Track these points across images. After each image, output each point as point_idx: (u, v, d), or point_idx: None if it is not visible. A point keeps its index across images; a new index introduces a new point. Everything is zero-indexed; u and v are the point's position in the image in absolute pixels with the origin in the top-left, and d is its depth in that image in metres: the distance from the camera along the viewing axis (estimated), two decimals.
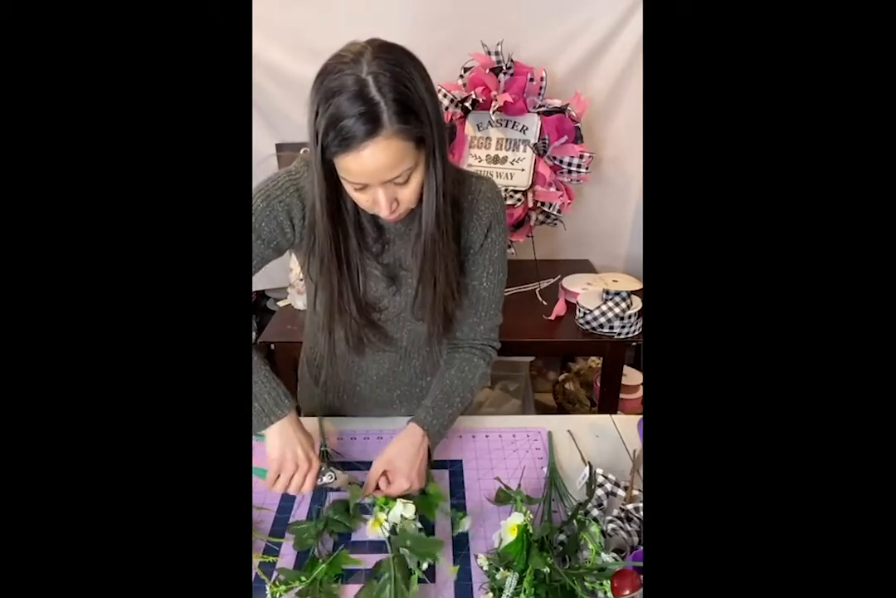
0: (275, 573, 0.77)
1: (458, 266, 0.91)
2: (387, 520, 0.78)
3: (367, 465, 0.95)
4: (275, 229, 0.85)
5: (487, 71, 1.61)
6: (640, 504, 0.82)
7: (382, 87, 0.68)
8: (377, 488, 0.86)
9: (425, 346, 1.01)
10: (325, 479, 0.87)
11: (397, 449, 0.88)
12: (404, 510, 0.77)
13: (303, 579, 0.74)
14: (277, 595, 0.73)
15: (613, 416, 1.09)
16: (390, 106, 0.68)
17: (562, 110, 1.62)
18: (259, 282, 1.84)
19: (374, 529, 0.76)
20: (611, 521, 0.80)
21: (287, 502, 0.89)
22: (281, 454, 0.82)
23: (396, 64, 0.69)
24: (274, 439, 0.82)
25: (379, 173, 0.72)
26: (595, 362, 2.03)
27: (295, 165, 0.87)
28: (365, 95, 0.67)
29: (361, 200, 0.77)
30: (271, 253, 0.88)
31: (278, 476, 0.81)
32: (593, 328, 1.51)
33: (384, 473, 0.86)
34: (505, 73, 1.59)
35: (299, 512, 0.87)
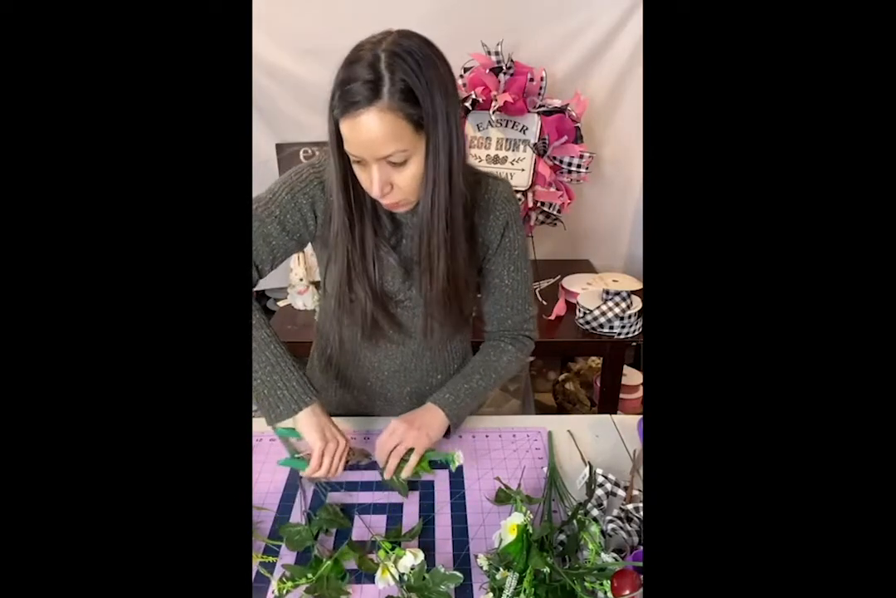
0: (278, 569, 0.77)
1: (472, 264, 0.93)
2: (395, 569, 0.76)
3: (373, 464, 0.96)
4: (298, 221, 0.88)
5: (487, 71, 1.61)
6: (640, 504, 0.82)
7: (392, 65, 0.71)
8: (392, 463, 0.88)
9: (438, 342, 1.02)
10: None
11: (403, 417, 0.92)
12: (414, 560, 0.75)
13: (309, 576, 0.74)
14: (284, 592, 0.73)
15: (613, 416, 1.09)
16: (395, 83, 0.71)
17: (562, 110, 1.62)
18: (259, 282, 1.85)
19: (383, 577, 0.75)
20: (611, 521, 0.80)
21: (287, 502, 0.89)
22: (322, 436, 0.83)
23: (412, 50, 0.73)
24: (310, 425, 0.84)
25: (371, 145, 0.74)
26: (595, 362, 2.03)
27: (318, 157, 0.90)
28: (374, 67, 0.71)
29: (361, 177, 0.80)
30: (294, 245, 0.91)
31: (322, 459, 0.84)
32: (593, 328, 1.51)
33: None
34: (505, 73, 1.59)
35: (298, 511, 0.87)
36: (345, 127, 0.74)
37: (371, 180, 0.77)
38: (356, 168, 0.79)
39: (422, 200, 0.82)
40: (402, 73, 0.71)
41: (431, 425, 0.92)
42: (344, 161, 0.80)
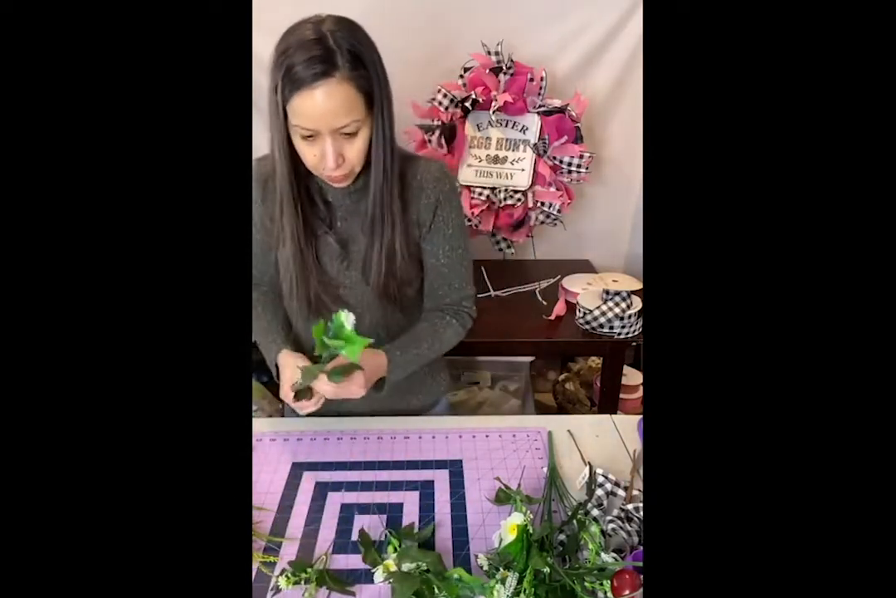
0: (279, 567, 0.78)
1: (409, 241, 0.95)
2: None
3: (373, 464, 0.96)
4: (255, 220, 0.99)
5: (487, 71, 1.60)
6: (640, 504, 0.82)
7: (339, 41, 0.76)
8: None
9: (390, 319, 1.03)
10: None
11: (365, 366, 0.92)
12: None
13: (308, 571, 0.75)
14: (288, 586, 0.74)
15: (613, 416, 1.09)
16: (345, 55, 0.76)
17: (562, 110, 1.62)
18: None
19: (383, 573, 0.75)
20: (611, 521, 0.80)
21: (287, 502, 0.89)
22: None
23: (352, 29, 0.79)
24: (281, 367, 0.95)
25: (329, 117, 0.77)
26: (595, 362, 2.03)
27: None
28: (323, 43, 0.76)
29: (309, 154, 0.82)
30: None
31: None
32: (593, 328, 1.51)
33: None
34: (505, 73, 1.59)
35: (298, 511, 0.88)
36: (300, 102, 0.76)
37: (325, 153, 0.81)
38: (303, 145, 0.82)
39: (373, 168, 0.85)
40: (349, 45, 0.76)
41: (371, 379, 0.93)
42: (289, 143, 0.83)
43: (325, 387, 0.86)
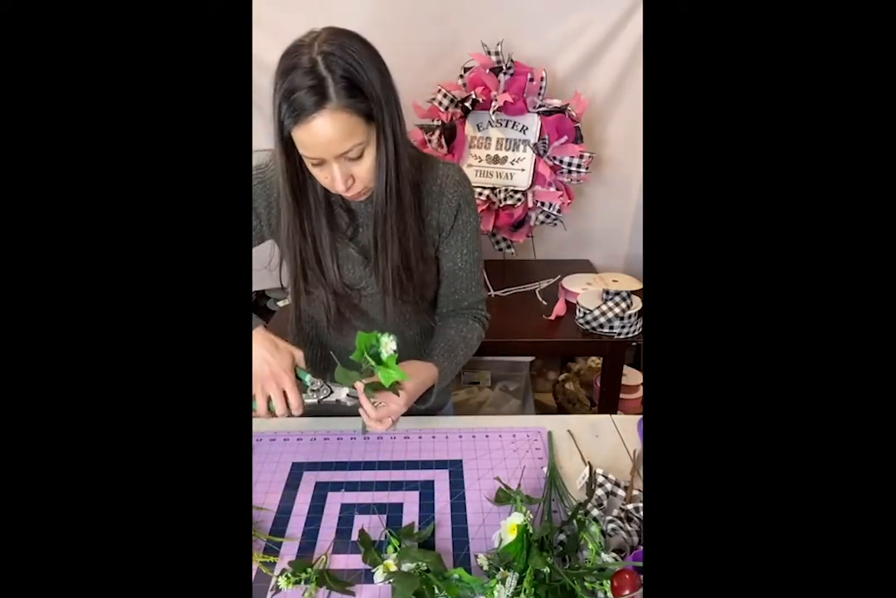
0: (279, 566, 0.78)
1: (425, 245, 0.95)
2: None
3: (373, 464, 0.96)
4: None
5: (487, 71, 1.61)
6: (640, 504, 0.82)
7: (331, 65, 0.74)
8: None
9: (404, 325, 1.03)
10: (316, 395, 0.85)
11: (414, 380, 0.88)
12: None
13: (308, 571, 0.75)
14: (288, 586, 0.74)
15: (613, 416, 1.09)
16: (338, 81, 0.74)
17: (562, 110, 1.62)
18: (259, 282, 1.85)
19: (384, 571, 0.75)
20: (611, 521, 0.80)
21: (287, 502, 0.89)
22: (259, 370, 0.81)
23: (344, 46, 0.76)
24: (255, 346, 0.82)
25: (329, 146, 0.77)
26: (595, 362, 2.03)
27: (263, 158, 0.94)
28: (315, 71, 0.74)
29: (321, 177, 0.83)
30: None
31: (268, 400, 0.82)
32: (593, 328, 1.51)
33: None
34: (505, 73, 1.59)
35: (298, 511, 0.87)
36: (300, 134, 0.76)
37: (333, 178, 0.81)
38: (314, 170, 0.82)
39: (377, 184, 0.85)
40: (341, 69, 0.74)
41: (420, 392, 0.91)
42: (292, 165, 0.83)
43: (374, 424, 0.86)
